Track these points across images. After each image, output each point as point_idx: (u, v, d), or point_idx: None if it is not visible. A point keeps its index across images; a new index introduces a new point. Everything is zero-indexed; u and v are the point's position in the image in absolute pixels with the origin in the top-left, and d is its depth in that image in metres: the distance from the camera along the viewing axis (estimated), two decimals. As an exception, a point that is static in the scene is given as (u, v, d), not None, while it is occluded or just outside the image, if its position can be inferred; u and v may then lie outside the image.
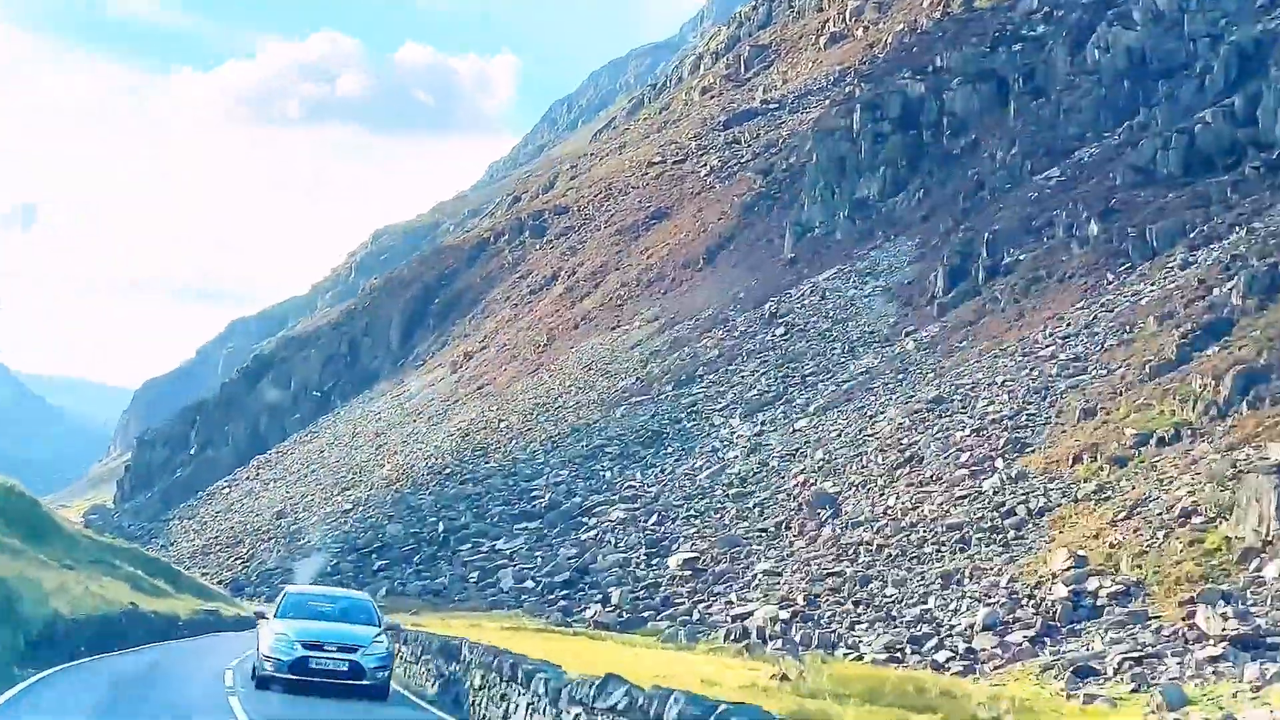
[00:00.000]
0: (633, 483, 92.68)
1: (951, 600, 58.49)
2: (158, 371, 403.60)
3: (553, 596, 77.23)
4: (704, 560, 74.12)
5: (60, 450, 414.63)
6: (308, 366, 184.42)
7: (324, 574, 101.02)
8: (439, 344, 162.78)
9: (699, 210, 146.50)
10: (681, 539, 79.44)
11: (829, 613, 61.37)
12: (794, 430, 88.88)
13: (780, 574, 68.36)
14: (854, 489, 74.72)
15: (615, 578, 76.90)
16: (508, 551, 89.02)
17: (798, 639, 56.90)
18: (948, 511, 66.15)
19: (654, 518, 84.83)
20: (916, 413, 79.92)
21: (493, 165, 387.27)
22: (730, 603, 66.66)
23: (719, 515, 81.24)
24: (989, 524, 63.17)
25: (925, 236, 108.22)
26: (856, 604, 61.50)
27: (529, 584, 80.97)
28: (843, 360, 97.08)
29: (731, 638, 60.11)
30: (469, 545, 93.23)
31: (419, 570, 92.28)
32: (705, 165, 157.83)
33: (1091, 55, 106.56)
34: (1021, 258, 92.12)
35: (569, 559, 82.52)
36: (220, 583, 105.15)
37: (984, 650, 51.84)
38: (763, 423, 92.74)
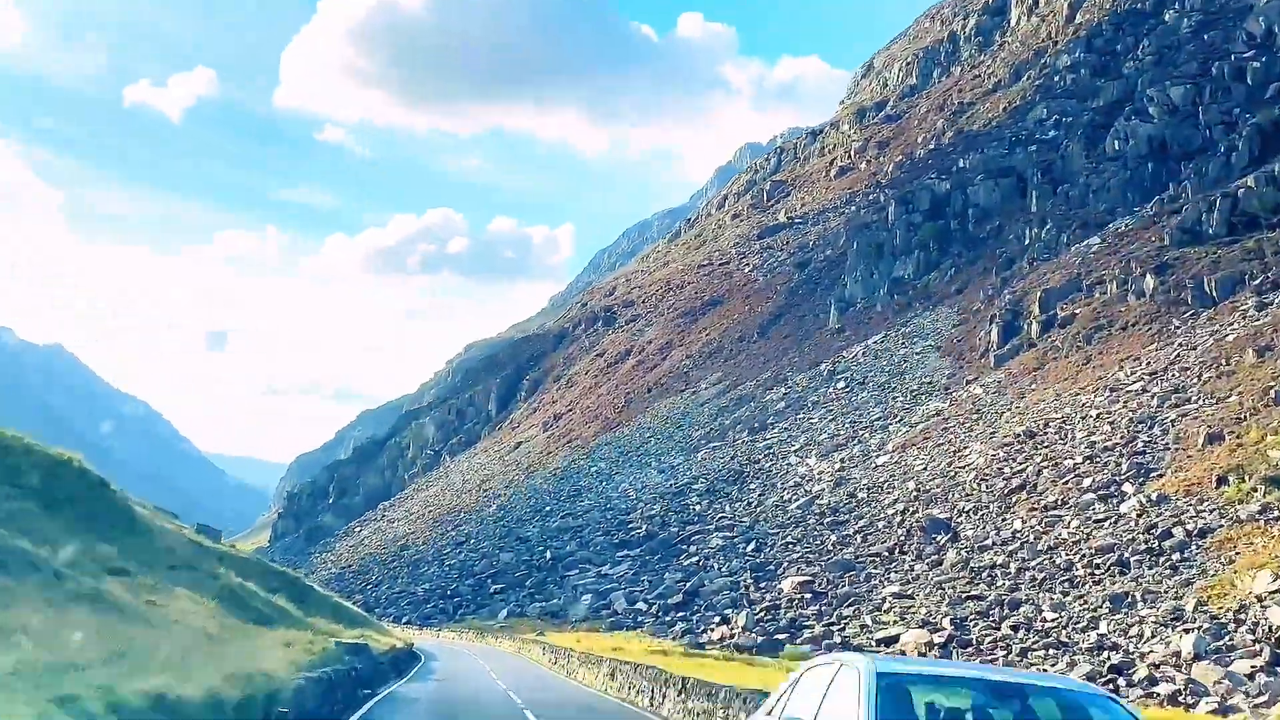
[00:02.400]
0: (724, 514, 74.11)
1: (1130, 625, 39.62)
2: (307, 449, 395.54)
3: (668, 618, 58.38)
4: (820, 583, 55.20)
5: (235, 509, 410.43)
6: (423, 432, 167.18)
7: (442, 596, 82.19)
8: (530, 410, 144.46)
9: (747, 297, 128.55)
10: (785, 564, 60.73)
11: (985, 637, 42.52)
12: (875, 466, 70.16)
13: (911, 596, 49.43)
14: (964, 515, 56.00)
15: (728, 600, 58.17)
16: (614, 576, 70.37)
17: (986, 668, 37.97)
18: (1089, 534, 47.30)
19: (752, 544, 66.10)
20: (1007, 446, 61.33)
21: (552, 297, 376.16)
22: (865, 626, 47.65)
23: (818, 541, 62.56)
24: (1144, 546, 44.33)
25: (965, 304, 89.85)
26: (1015, 629, 42.62)
27: (640, 605, 62.19)
28: (907, 407, 78.46)
29: (891, 664, 41.16)
30: (576, 570, 74.60)
31: (532, 593, 73.53)
32: (748, 264, 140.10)
33: (1112, 145, 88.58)
34: (1077, 311, 73.58)
35: (676, 582, 63.75)
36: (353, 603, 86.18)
37: (1216, 683, 32.98)
38: (841, 460, 74.04)
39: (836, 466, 73.02)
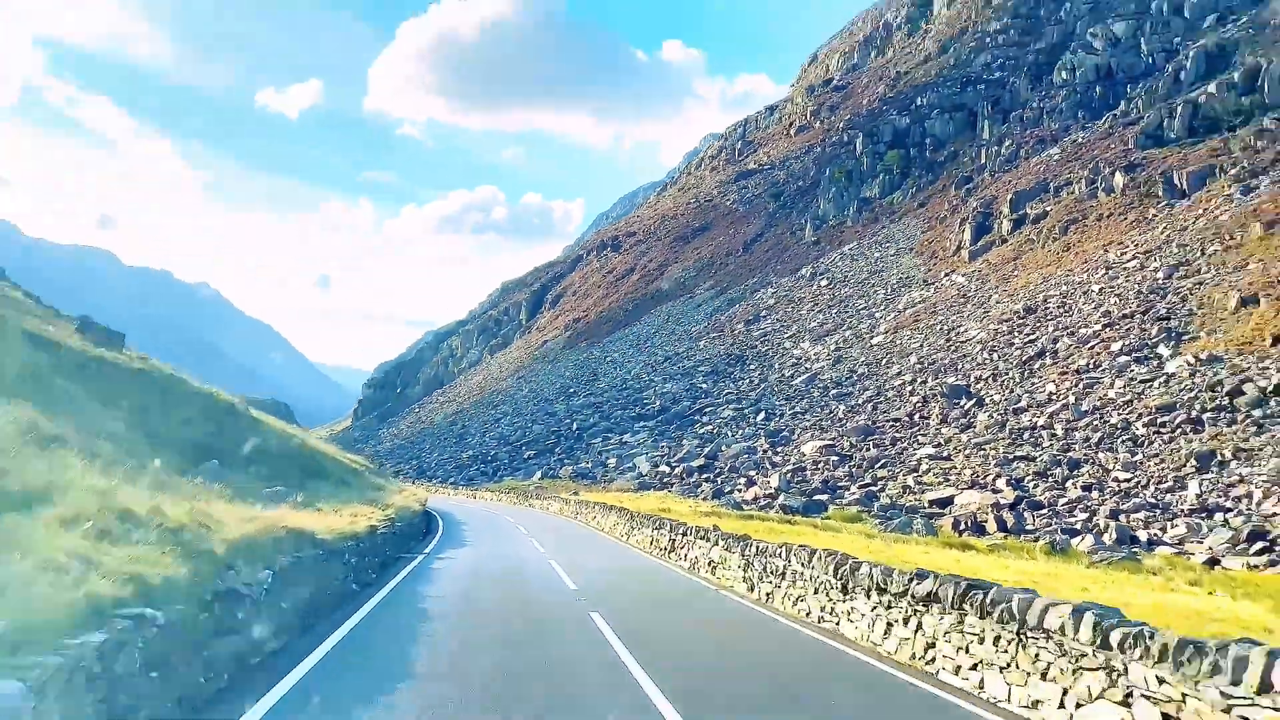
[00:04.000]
0: (729, 391, 60.28)
1: (1229, 484, 26.15)
2: (386, 359, 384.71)
3: (693, 479, 44.56)
4: (842, 447, 41.57)
5: (335, 405, 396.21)
6: (468, 340, 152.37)
7: (483, 461, 68.48)
8: (554, 316, 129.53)
9: (731, 223, 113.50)
10: (799, 430, 47.07)
11: (1058, 498, 28.93)
12: (871, 345, 56.30)
13: (948, 458, 35.79)
14: (983, 382, 42.24)
15: (749, 463, 44.43)
16: (634, 443, 56.49)
17: (1105, 536, 24.17)
18: (1139, 394, 33.61)
19: (761, 414, 52.34)
20: (1007, 321, 47.52)
21: (566, 248, 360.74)
22: (907, 488, 34.00)
23: (826, 411, 48.90)
24: (1213, 403, 30.73)
25: (930, 214, 75.35)
26: (1087, 489, 29.05)
27: (664, 468, 48.29)
28: (889, 298, 64.46)
29: (963, 527, 27.40)
30: (600, 439, 60.70)
31: (561, 459, 59.55)
32: (728, 199, 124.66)
33: (1059, 75, 73.58)
34: (1048, 209, 59.34)
35: (695, 448, 49.97)
36: (400, 471, 72.42)
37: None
38: (836, 343, 60.17)
39: (832, 348, 59.15)
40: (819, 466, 39.70)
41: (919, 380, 45.86)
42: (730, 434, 51.25)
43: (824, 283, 73.97)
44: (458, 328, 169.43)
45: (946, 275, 61.92)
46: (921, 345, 51.42)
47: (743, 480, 41.61)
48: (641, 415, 62.70)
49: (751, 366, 64.08)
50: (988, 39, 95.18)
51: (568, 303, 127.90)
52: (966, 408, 39.70)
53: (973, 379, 42.50)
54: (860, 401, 47.71)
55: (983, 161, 74.40)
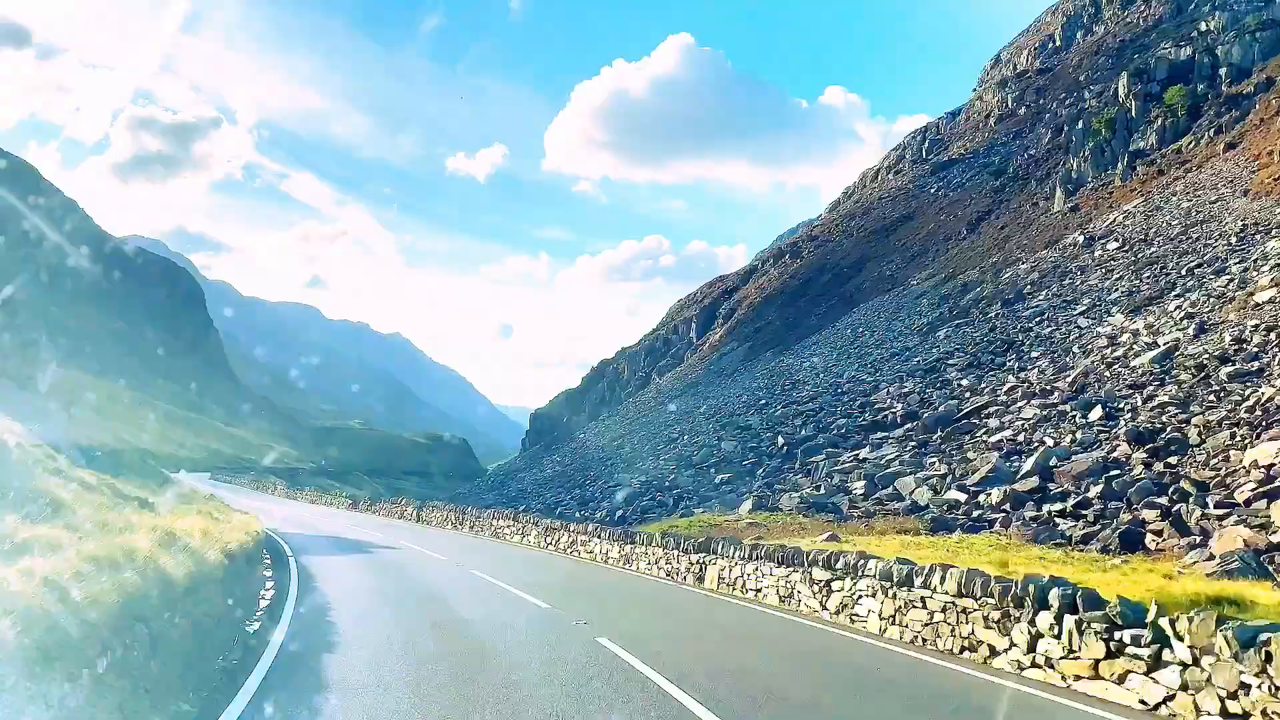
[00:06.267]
0: (1011, 384, 39.73)
1: None
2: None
3: (1029, 512, 24.61)
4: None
5: (513, 444, 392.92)
6: (634, 363, 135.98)
7: (659, 488, 50.21)
8: (729, 330, 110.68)
9: (941, 209, 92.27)
10: (1204, 427, 26.24)
11: None
12: (1255, 306, 34.67)
13: None
14: None
15: (1125, 481, 24.10)
16: (879, 460, 36.69)
17: None
18: None
19: (1095, 410, 31.63)
20: None
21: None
22: None
23: (1222, 397, 27.90)
24: None
25: (1254, 152, 52.45)
26: None
27: (953, 495, 28.43)
28: (1236, 247, 42.47)
29: None
30: (823, 455, 41.10)
31: (768, 482, 40.34)
32: (931, 188, 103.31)
33: None
34: None
35: (1001, 463, 29.84)
36: (558, 504, 55.51)
37: None
38: (1170, 312, 38.74)
39: (1179, 318, 37.68)
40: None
41: None
42: (1045, 439, 30.94)
43: (1113, 245, 52.13)
44: (622, 354, 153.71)
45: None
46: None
47: (1127, 519, 21.46)
48: (879, 424, 42.98)
49: (1034, 353, 43.30)
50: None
51: (744, 314, 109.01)
52: None
53: None
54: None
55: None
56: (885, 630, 12.65)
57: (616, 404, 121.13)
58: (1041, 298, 50.85)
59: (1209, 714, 7.67)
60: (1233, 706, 7.49)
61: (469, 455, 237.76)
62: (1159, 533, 20.58)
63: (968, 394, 41.53)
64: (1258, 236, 42.47)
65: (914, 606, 12.12)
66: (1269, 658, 7.22)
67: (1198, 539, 19.19)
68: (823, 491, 33.68)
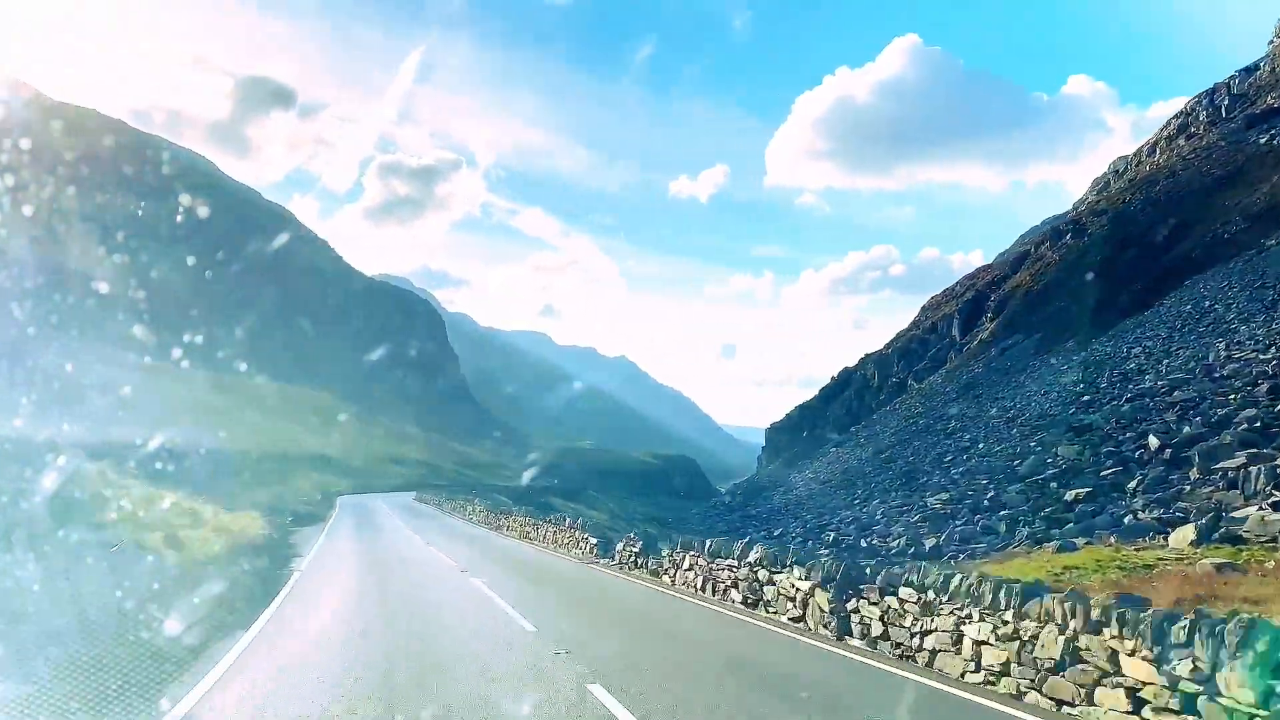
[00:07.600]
0: None
1: None
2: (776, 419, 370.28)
3: None
4: None
5: (738, 463, 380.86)
6: (884, 368, 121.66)
7: (973, 505, 37.79)
8: (1006, 321, 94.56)
9: (1277, 162, 73.00)
10: None
11: None
12: None
13: None
14: None
15: None
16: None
17: None
18: None
19: None
20: None
21: (998, 255, 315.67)
22: None
23: None
24: None
25: None
26: None
27: None
28: None
29: None
30: (1241, 458, 27.61)
31: (1158, 498, 27.37)
32: (1256, 140, 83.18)
33: None
34: None
35: None
36: (824, 527, 44.31)
37: None
38: None
39: None
40: None
41: None
42: None
43: None
44: (868, 360, 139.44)
45: None
46: None
47: None
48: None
49: None
50: None
51: (1020, 304, 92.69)
52: None
53: None
54: None
55: None
56: None
57: (865, 414, 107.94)
58: None
59: None
60: None
61: (699, 475, 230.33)
62: None
63: None
64: None
65: None
66: None
67: None
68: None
